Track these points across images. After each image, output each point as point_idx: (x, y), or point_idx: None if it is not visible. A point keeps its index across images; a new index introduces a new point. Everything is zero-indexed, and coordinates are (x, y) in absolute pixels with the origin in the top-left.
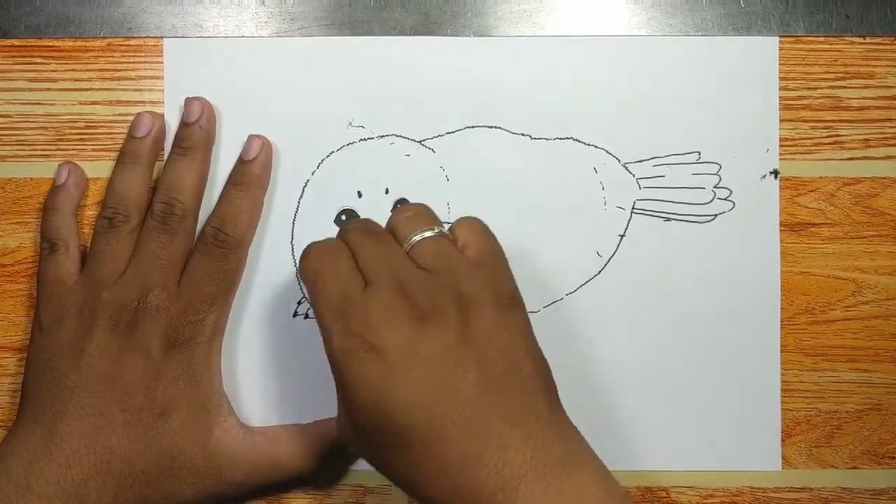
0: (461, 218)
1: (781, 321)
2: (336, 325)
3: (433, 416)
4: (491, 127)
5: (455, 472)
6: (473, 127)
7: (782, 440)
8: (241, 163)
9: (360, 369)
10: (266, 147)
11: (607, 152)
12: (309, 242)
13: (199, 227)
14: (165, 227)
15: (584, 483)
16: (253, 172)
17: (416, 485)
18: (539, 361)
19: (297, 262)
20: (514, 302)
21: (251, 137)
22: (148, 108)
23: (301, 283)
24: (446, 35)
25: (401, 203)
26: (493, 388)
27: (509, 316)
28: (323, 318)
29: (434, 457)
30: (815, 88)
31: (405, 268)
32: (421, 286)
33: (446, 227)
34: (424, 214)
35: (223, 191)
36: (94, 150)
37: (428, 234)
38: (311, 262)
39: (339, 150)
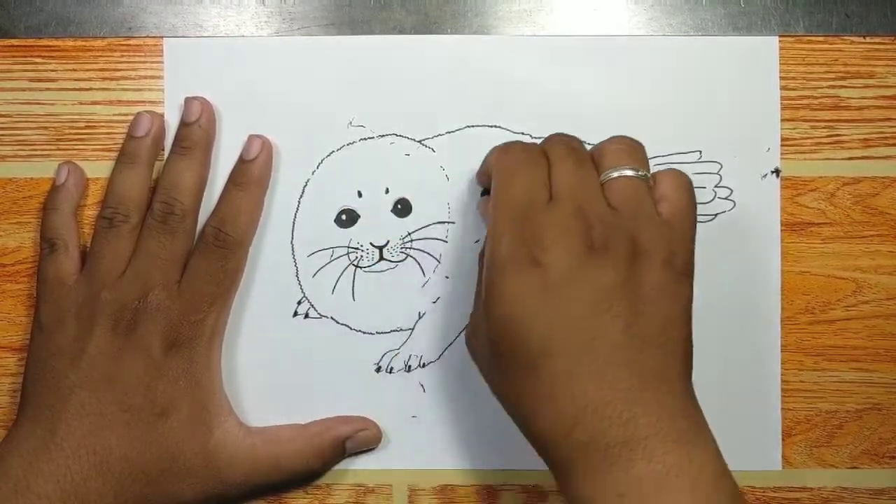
0: (669, 169)
1: (781, 321)
2: (509, 231)
3: (570, 350)
4: (491, 126)
5: (576, 416)
6: (473, 126)
7: (782, 440)
8: (242, 162)
9: (516, 280)
10: (266, 147)
11: None
12: (504, 144)
13: (199, 226)
14: (165, 227)
15: (703, 461)
16: (253, 172)
17: (530, 417)
18: (687, 337)
19: (491, 154)
20: (685, 271)
21: (251, 137)
22: (148, 107)
23: (304, 291)
24: (446, 34)
25: (401, 204)
26: (638, 344)
27: (676, 283)
28: (498, 220)
29: (558, 392)
30: (816, 88)
31: (593, 197)
32: (602, 219)
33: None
34: (634, 152)
35: (223, 191)
36: (94, 150)
37: (629, 172)
38: (508, 162)
39: (339, 149)
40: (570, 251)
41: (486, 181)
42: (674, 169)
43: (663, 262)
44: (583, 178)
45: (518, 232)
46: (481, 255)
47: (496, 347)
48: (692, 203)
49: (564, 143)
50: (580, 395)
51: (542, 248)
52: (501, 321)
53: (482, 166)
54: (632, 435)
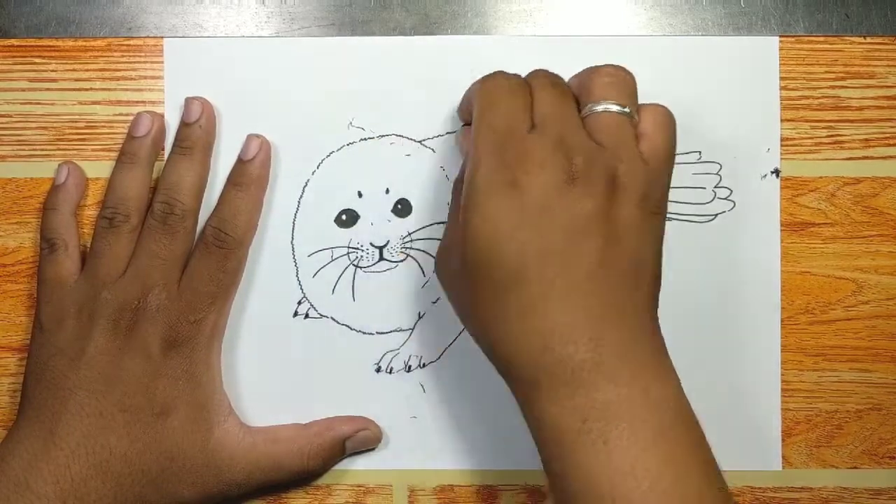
0: (655, 105)
1: (781, 321)
2: (491, 156)
3: (544, 274)
4: None
5: (545, 338)
6: None
7: (782, 440)
8: (241, 162)
9: (496, 202)
10: (265, 146)
11: None
12: (487, 74)
13: (199, 226)
14: (166, 227)
15: (666, 392)
16: (252, 172)
17: (499, 339)
18: (656, 275)
19: (474, 86)
20: (658, 210)
21: (250, 137)
22: (148, 108)
23: (304, 291)
24: (446, 34)
25: (401, 204)
26: (609, 275)
27: (648, 221)
28: (479, 145)
29: (529, 315)
30: (816, 88)
31: (575, 129)
32: (584, 151)
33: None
34: (621, 85)
35: (223, 191)
36: (94, 150)
37: (613, 108)
38: (491, 89)
39: (339, 150)
40: (551, 178)
41: (467, 115)
42: (658, 106)
43: (639, 199)
44: (565, 109)
45: (500, 156)
46: (458, 182)
47: (470, 269)
48: (671, 143)
49: (547, 76)
50: (550, 319)
51: (523, 172)
52: (478, 242)
53: (463, 100)
54: (597, 359)
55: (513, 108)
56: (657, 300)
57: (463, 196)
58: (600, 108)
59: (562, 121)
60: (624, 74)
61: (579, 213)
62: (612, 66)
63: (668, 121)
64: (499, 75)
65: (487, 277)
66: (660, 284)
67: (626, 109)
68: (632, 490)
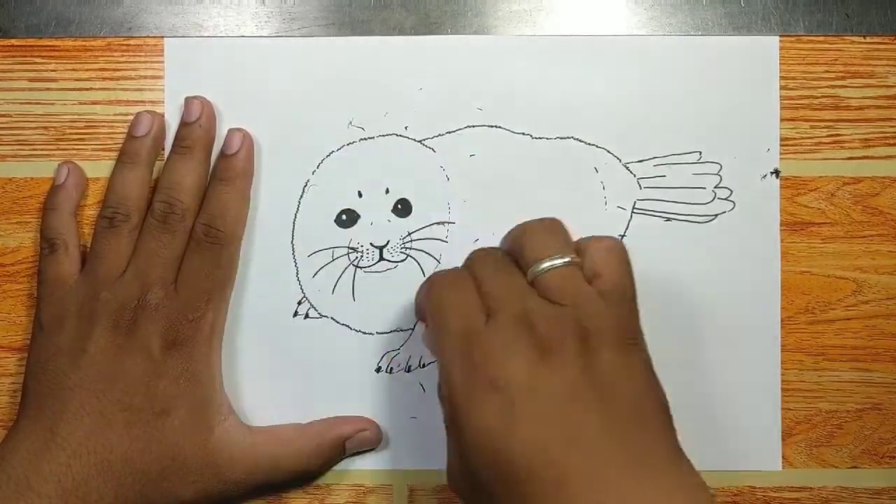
0: (597, 239)
1: (781, 321)
2: (457, 362)
3: (554, 459)
4: (491, 126)
5: None
6: (474, 126)
7: (782, 440)
8: (224, 157)
9: (480, 407)
10: (247, 139)
11: (608, 152)
12: (428, 278)
13: None
14: (165, 227)
15: None
16: (237, 166)
17: None
18: (661, 402)
19: (418, 293)
20: (636, 341)
21: (231, 131)
22: (148, 107)
23: (304, 291)
24: (446, 34)
25: (401, 204)
26: (616, 431)
27: (632, 356)
28: (444, 353)
29: (555, 497)
30: (816, 88)
31: (528, 297)
32: (543, 318)
33: (580, 236)
34: (553, 237)
35: (209, 187)
36: (94, 150)
37: (557, 262)
38: (435, 295)
39: (339, 149)
40: (524, 361)
41: (422, 316)
42: (601, 239)
43: (615, 339)
44: (511, 285)
45: (468, 360)
46: (439, 388)
47: (480, 479)
48: (625, 272)
49: (483, 256)
50: (576, 497)
51: (495, 368)
52: (478, 453)
53: (416, 303)
54: None
55: (462, 307)
56: (671, 426)
57: (447, 410)
58: (543, 266)
59: (512, 297)
60: (551, 223)
61: (564, 384)
62: (537, 221)
63: (614, 252)
64: (439, 277)
65: (500, 482)
66: (668, 408)
67: (568, 259)
68: None
